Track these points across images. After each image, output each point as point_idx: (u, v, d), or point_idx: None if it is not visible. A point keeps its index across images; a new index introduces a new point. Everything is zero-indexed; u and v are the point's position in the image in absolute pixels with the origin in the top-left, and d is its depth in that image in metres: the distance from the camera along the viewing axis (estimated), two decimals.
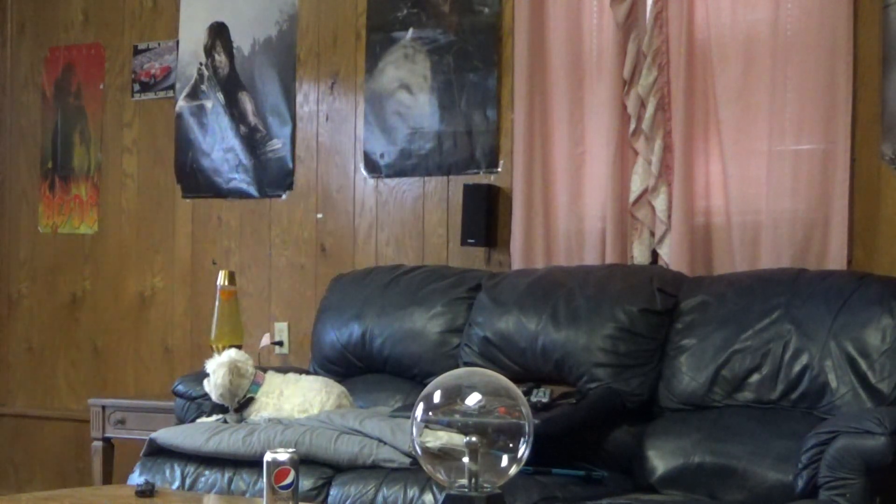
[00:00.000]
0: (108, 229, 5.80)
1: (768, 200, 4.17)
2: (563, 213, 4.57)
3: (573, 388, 3.95)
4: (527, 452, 2.63)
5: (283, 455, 2.72)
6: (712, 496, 3.54)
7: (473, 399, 2.68)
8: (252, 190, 5.40)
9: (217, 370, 4.09)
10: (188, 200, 5.58)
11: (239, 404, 4.11)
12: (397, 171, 5.01)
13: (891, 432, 3.12)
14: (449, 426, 2.71)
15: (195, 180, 5.55)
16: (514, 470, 2.64)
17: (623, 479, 3.74)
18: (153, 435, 4.12)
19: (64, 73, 5.95)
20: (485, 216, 4.72)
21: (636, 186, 4.37)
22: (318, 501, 3.66)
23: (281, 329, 5.26)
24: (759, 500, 3.45)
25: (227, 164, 5.46)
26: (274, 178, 5.34)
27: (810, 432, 3.27)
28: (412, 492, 3.51)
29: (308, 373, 4.53)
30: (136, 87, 5.74)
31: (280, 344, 5.22)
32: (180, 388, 4.41)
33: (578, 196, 4.56)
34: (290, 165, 5.30)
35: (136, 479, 3.98)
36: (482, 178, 4.81)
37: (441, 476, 2.66)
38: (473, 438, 2.57)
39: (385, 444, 3.70)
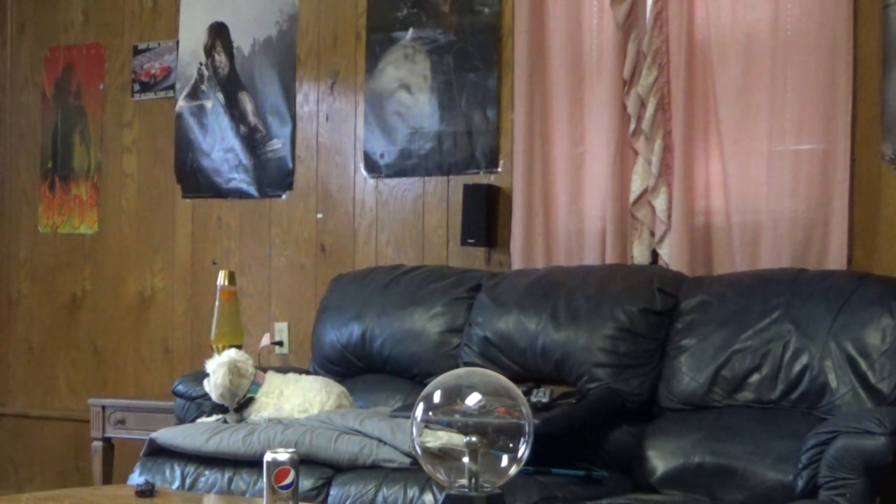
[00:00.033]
0: (108, 229, 5.80)
1: (768, 200, 4.17)
2: (563, 213, 4.57)
3: (573, 388, 3.95)
4: (527, 452, 2.63)
5: (283, 455, 2.72)
6: (712, 496, 3.54)
7: (473, 399, 2.68)
8: (252, 190, 5.40)
9: (217, 370, 4.09)
10: (188, 200, 5.58)
11: (239, 404, 4.11)
12: (397, 171, 5.01)
13: (891, 432, 3.12)
14: (449, 426, 2.71)
15: (195, 180, 5.55)
16: (514, 470, 2.64)
17: (623, 479, 3.74)
18: (153, 435, 4.12)
19: (64, 73, 5.95)
20: (485, 216, 4.72)
21: (636, 186, 4.37)
22: (318, 501, 3.66)
23: (281, 329, 5.26)
24: (759, 500, 3.45)
25: (227, 164, 5.46)
26: (274, 178, 5.34)
27: (810, 432, 3.27)
28: (412, 492, 3.51)
29: (308, 373, 4.53)
30: (136, 87, 5.74)
31: (280, 344, 5.22)
32: (180, 388, 4.41)
33: (578, 196, 4.56)
34: (290, 165, 5.30)
35: (136, 479, 3.98)
36: (482, 178, 4.81)
37: (441, 476, 2.66)
38: (473, 438, 2.57)
39: (385, 444, 3.70)
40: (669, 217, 4.30)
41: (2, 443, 6.04)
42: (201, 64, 5.53)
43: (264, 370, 4.23)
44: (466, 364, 4.19)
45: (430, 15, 4.96)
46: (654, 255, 4.36)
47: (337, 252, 5.17)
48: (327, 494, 3.67)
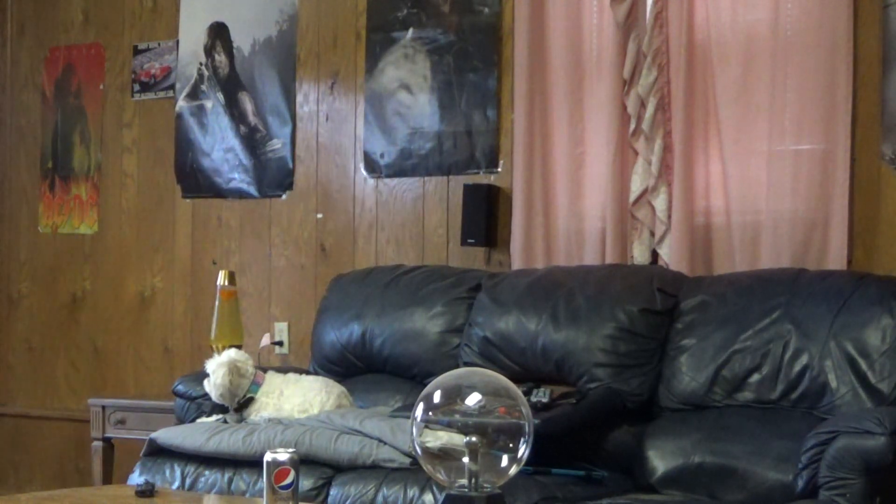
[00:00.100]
0: (108, 229, 5.80)
1: (768, 200, 4.17)
2: (563, 213, 4.57)
3: (573, 388, 3.95)
4: (527, 452, 2.63)
5: (283, 455, 2.72)
6: (712, 496, 3.54)
7: (473, 399, 2.68)
8: (252, 190, 5.40)
9: (217, 370, 4.09)
10: (188, 200, 5.58)
11: (239, 404, 4.11)
12: (397, 171, 5.01)
13: (891, 432, 3.12)
14: (449, 426, 2.71)
15: (195, 180, 5.55)
16: (514, 470, 2.64)
17: (623, 479, 3.74)
18: (153, 435, 4.12)
19: (64, 73, 5.95)
20: (485, 216, 4.72)
21: (636, 186, 4.37)
22: (318, 501, 3.66)
23: (281, 329, 5.26)
24: (759, 500, 3.45)
25: (227, 164, 5.46)
26: (274, 178, 5.34)
27: (810, 432, 3.27)
28: (412, 492, 3.51)
29: (308, 373, 4.53)
30: (136, 87, 5.74)
31: (280, 344, 5.22)
32: (180, 388, 4.41)
33: (578, 196, 4.56)
34: (290, 165, 5.30)
35: (136, 479, 3.98)
36: (482, 178, 4.81)
37: (441, 476, 2.66)
38: (473, 438, 2.57)
39: (385, 444, 3.70)
40: (669, 217, 4.30)
41: (2, 443, 6.04)
42: (201, 64, 5.54)
43: (264, 370, 4.23)
44: (466, 364, 4.19)
45: (430, 15, 4.96)
46: (654, 255, 4.36)
47: (337, 252, 5.17)
48: (327, 494, 3.67)
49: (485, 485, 2.59)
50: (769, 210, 4.16)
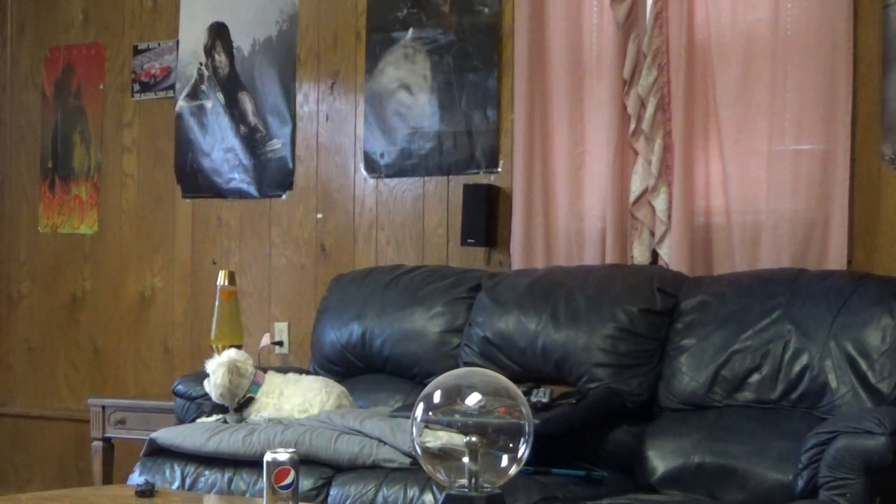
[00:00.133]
0: (108, 229, 5.80)
1: (768, 200, 4.17)
2: (563, 213, 4.57)
3: (573, 388, 3.95)
4: (527, 452, 2.63)
5: (283, 455, 2.72)
6: (712, 496, 3.54)
7: (473, 399, 2.68)
8: (252, 190, 5.40)
9: (217, 370, 4.09)
10: (188, 200, 5.58)
11: (239, 404, 4.11)
12: (397, 171, 5.01)
13: (891, 432, 3.12)
14: (449, 426, 2.71)
15: (195, 180, 5.55)
16: (514, 470, 2.64)
17: (623, 479, 3.74)
18: (153, 435, 4.12)
19: (64, 73, 5.95)
20: (485, 216, 4.72)
21: (636, 186, 4.37)
22: (318, 501, 3.66)
23: (281, 329, 5.26)
24: (759, 500, 3.45)
25: (227, 164, 5.46)
26: (274, 178, 5.34)
27: (810, 432, 3.27)
28: (412, 492, 3.51)
29: (308, 373, 4.53)
30: (136, 87, 5.74)
31: (280, 344, 5.22)
32: (180, 388, 4.41)
33: (578, 196, 4.56)
34: (290, 165, 5.30)
35: (136, 479, 3.98)
36: (482, 178, 4.81)
37: (441, 476, 2.66)
38: (473, 438, 2.57)
39: (385, 444, 3.70)
40: (669, 217, 4.30)
41: (2, 443, 6.04)
42: (201, 64, 5.54)
43: (264, 370, 4.23)
44: (466, 364, 4.19)
45: (430, 15, 4.96)
46: (654, 255, 4.36)
47: (337, 252, 5.17)
48: (327, 494, 3.67)
49: (485, 485, 2.59)
50: (769, 210, 4.16)
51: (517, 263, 4.58)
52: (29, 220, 6.03)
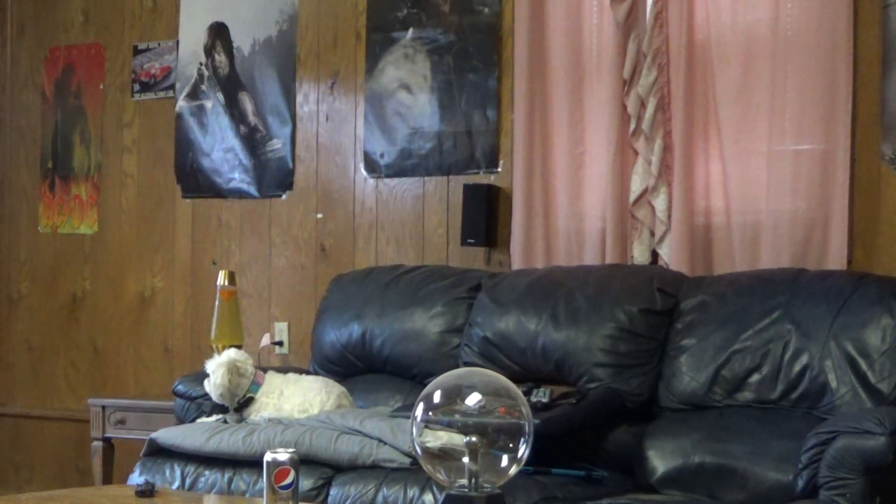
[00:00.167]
0: (108, 229, 5.80)
1: (768, 200, 4.17)
2: (563, 213, 4.57)
3: (573, 388, 3.95)
4: (527, 452, 2.63)
5: (283, 455, 2.72)
6: (712, 496, 3.54)
7: (473, 399, 2.68)
8: (252, 190, 5.40)
9: (217, 370, 4.09)
10: (188, 200, 5.58)
11: (239, 404, 4.11)
12: (397, 171, 5.01)
13: (891, 432, 3.12)
14: (449, 426, 2.71)
15: (195, 180, 5.55)
16: (514, 470, 2.64)
17: (623, 479, 3.74)
18: (153, 435, 4.12)
19: (64, 73, 5.95)
20: (485, 216, 4.72)
21: (636, 186, 4.37)
22: (318, 501, 3.66)
23: (281, 329, 5.26)
24: (759, 500, 3.45)
25: (227, 164, 5.46)
26: (274, 178, 5.34)
27: (810, 432, 3.27)
28: (412, 492, 3.51)
29: (308, 373, 4.53)
30: (136, 87, 5.74)
31: (280, 344, 5.22)
32: (180, 388, 4.41)
33: (578, 196, 4.56)
34: (290, 165, 5.30)
35: (136, 479, 3.98)
36: (482, 178, 4.81)
37: (441, 476, 2.66)
38: (473, 438, 2.57)
39: (385, 444, 3.70)
40: (669, 217, 4.30)
41: (2, 443, 6.04)
42: (201, 64, 5.54)
43: (264, 370, 4.23)
44: (466, 364, 4.19)
45: (430, 15, 4.96)
46: (654, 255, 4.36)
47: (337, 252, 5.17)
48: (327, 494, 3.67)
49: (485, 485, 2.59)
50: (769, 210, 4.16)
51: (517, 263, 4.58)
52: (29, 220, 6.03)
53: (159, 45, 5.67)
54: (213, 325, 4.65)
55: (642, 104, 4.36)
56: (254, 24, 5.40)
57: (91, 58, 5.87)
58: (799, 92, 4.14)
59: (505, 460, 2.63)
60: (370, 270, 4.79)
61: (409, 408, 2.92)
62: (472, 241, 4.74)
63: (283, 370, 4.35)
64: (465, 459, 2.58)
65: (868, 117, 4.06)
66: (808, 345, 3.66)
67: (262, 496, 2.74)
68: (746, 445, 3.57)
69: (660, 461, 3.68)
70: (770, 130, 4.18)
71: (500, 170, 4.78)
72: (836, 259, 4.04)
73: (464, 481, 2.58)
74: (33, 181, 6.03)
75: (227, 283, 4.67)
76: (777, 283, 3.84)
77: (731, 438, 3.61)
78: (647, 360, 3.93)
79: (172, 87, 5.63)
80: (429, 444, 2.72)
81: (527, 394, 3.64)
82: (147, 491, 3.26)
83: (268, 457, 2.72)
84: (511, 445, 2.63)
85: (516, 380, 2.93)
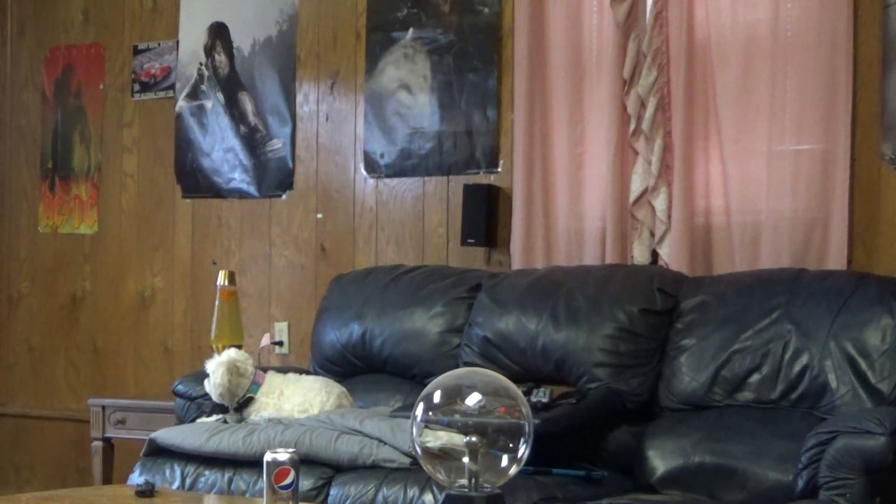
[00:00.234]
0: (108, 229, 5.80)
1: (768, 200, 4.17)
2: (563, 213, 4.57)
3: (573, 388, 3.95)
4: (527, 452, 2.63)
5: (283, 455, 2.72)
6: (712, 496, 3.54)
7: (473, 399, 2.68)
8: (252, 190, 5.40)
9: (217, 370, 4.08)
10: (188, 200, 5.58)
11: (239, 404, 4.11)
12: (397, 171, 5.01)
13: (891, 432, 3.12)
14: (449, 426, 2.71)
15: (195, 180, 5.55)
16: (514, 470, 2.63)
17: (623, 479, 3.74)
18: (153, 435, 4.12)
19: (64, 73, 5.95)
20: (485, 216, 4.72)
21: (636, 186, 4.37)
22: (318, 501, 3.66)
23: (281, 329, 5.26)
24: (759, 500, 3.45)
25: (227, 164, 5.46)
26: (274, 178, 5.34)
27: (810, 432, 3.27)
28: (412, 492, 3.51)
29: (308, 373, 4.53)
30: (136, 87, 5.74)
31: (280, 344, 5.22)
32: (180, 388, 4.41)
33: (578, 196, 4.56)
34: (290, 165, 5.30)
35: (136, 479, 3.98)
36: (482, 178, 4.81)
37: (441, 476, 2.66)
38: (473, 438, 2.57)
39: (385, 444, 3.70)
40: (669, 217, 4.30)
41: (2, 443, 6.04)
42: (201, 64, 5.54)
43: (264, 370, 4.23)
44: (466, 364, 4.19)
45: (430, 15, 4.96)
46: (654, 255, 4.36)
47: (337, 252, 5.17)
48: (327, 494, 3.67)
49: (485, 485, 2.59)
50: (769, 210, 4.16)
51: (517, 263, 4.58)
52: (29, 220, 6.03)
53: (159, 45, 5.67)
54: (213, 325, 4.65)
55: (642, 104, 4.36)
56: (254, 24, 5.40)
57: (91, 58, 5.87)
58: (799, 92, 4.14)
59: (505, 460, 2.63)
60: (370, 270, 4.79)
61: (409, 408, 2.91)
62: (472, 241, 4.74)
63: (283, 370, 4.35)
64: (465, 459, 2.58)
65: (868, 117, 4.06)
66: (808, 345, 3.66)
67: (262, 496, 2.74)
68: (746, 445, 3.57)
69: (660, 461, 3.68)
70: (770, 130, 4.18)
71: (500, 170, 4.78)
72: (836, 259, 4.04)
73: (464, 481, 2.58)
74: (33, 181, 6.03)
75: (227, 283, 4.67)
76: (777, 283, 3.84)
77: (731, 438, 3.61)
78: (647, 360, 3.93)
79: (172, 87, 5.63)
80: (429, 444, 2.72)
81: (527, 394, 3.64)
82: (147, 491, 3.26)
83: (268, 457, 2.72)
84: (511, 445, 2.63)
85: (516, 380, 2.93)
